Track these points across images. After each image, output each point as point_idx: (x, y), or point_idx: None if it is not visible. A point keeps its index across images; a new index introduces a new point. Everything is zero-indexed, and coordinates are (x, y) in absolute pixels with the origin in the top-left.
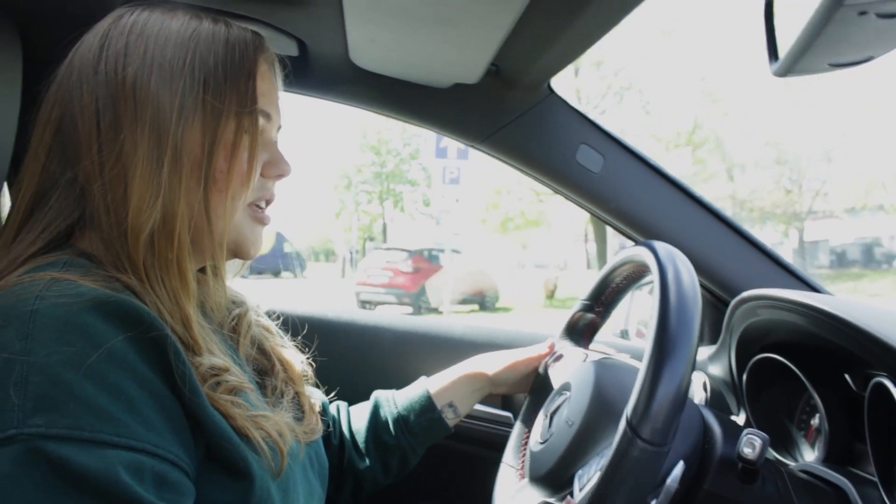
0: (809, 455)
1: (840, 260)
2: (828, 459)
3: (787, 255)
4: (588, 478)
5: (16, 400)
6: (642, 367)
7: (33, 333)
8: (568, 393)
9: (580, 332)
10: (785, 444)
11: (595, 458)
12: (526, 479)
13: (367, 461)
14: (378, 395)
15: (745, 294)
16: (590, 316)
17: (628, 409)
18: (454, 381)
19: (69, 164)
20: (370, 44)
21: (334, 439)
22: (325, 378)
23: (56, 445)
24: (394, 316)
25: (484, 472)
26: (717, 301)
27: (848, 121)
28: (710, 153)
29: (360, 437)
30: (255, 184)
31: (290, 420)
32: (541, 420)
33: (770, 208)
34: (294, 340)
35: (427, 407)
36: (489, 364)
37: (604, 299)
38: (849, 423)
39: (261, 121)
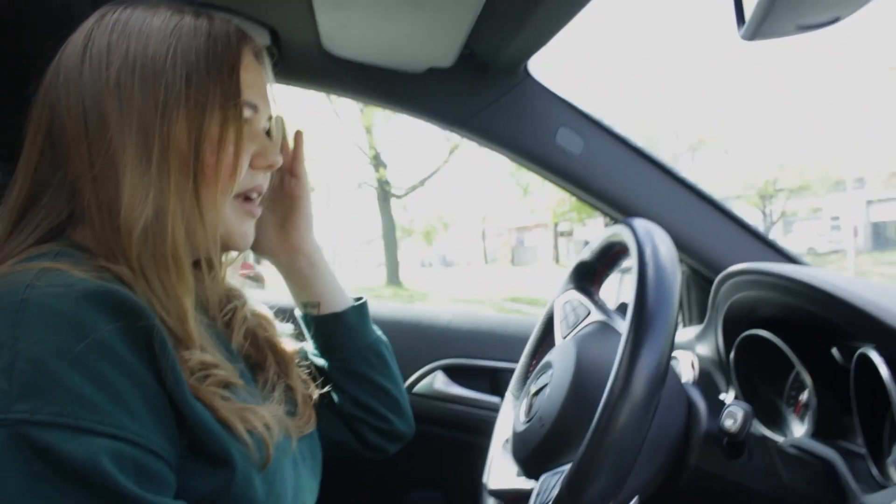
0: (799, 430)
1: None
2: (816, 434)
3: None
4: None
5: (3, 385)
6: (612, 373)
7: (22, 322)
8: (548, 377)
9: (587, 276)
10: (774, 420)
11: (558, 471)
12: (511, 458)
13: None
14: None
15: (728, 270)
16: (595, 264)
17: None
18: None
19: (59, 164)
20: (342, 29)
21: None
22: None
23: (40, 432)
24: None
25: (475, 458)
26: (702, 280)
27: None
28: None
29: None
30: (243, 175)
31: (280, 414)
32: (525, 399)
33: None
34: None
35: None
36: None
37: (605, 260)
38: (837, 397)
39: (247, 112)
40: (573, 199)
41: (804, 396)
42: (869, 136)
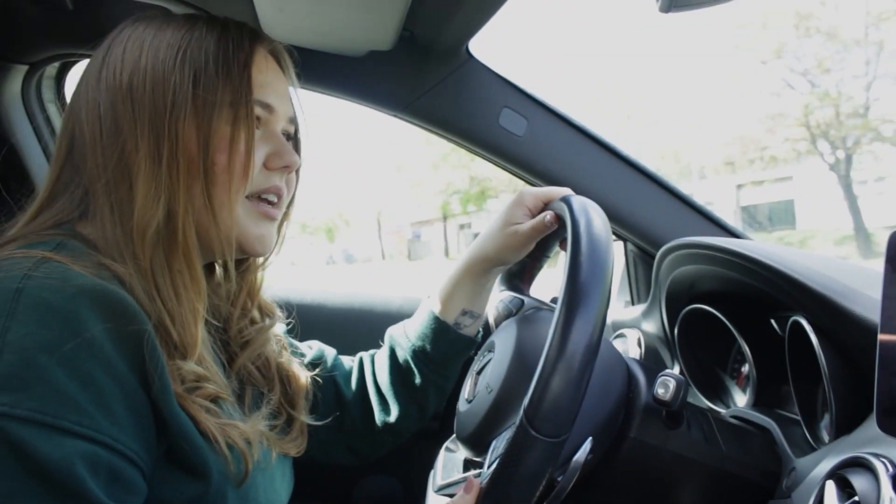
0: (742, 401)
1: None
2: (757, 404)
3: None
4: (497, 454)
5: None
6: (549, 334)
7: (15, 312)
8: (492, 354)
9: (517, 275)
10: (718, 393)
11: (509, 428)
12: (455, 446)
13: (399, 409)
14: (392, 332)
15: (668, 245)
16: (525, 260)
17: (525, 401)
18: (456, 287)
19: (77, 170)
20: (279, 13)
21: (347, 392)
22: None
23: (18, 427)
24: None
25: (430, 442)
26: (649, 258)
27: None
28: None
29: (386, 387)
30: (255, 176)
31: (263, 429)
32: (469, 380)
33: None
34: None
35: (439, 329)
36: (486, 246)
37: (535, 251)
38: (775, 367)
39: (260, 112)
40: (461, 191)
41: (745, 368)
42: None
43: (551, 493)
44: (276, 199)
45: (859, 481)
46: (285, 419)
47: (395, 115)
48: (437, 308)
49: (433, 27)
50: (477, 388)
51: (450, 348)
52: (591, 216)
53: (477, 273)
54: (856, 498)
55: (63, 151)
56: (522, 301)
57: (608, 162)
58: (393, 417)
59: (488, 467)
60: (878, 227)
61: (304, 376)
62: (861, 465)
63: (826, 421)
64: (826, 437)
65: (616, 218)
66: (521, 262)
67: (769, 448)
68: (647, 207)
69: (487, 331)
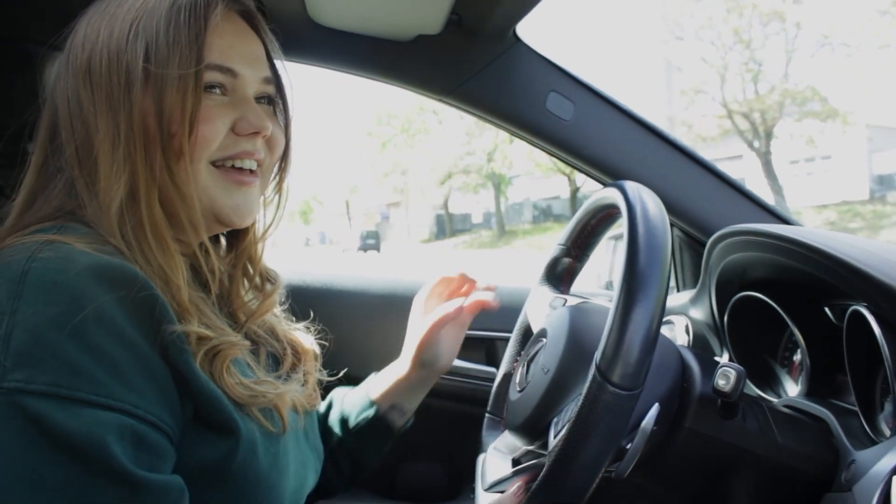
0: (793, 390)
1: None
2: (810, 393)
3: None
4: (562, 425)
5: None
6: (612, 308)
7: (22, 293)
8: (544, 340)
9: (558, 276)
10: (769, 381)
11: (570, 405)
12: (506, 429)
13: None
14: (335, 393)
15: (720, 232)
16: (567, 260)
17: (597, 355)
18: (393, 383)
19: (60, 154)
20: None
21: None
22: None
23: (34, 401)
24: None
25: (472, 429)
26: (695, 243)
27: None
28: None
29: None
30: (217, 144)
31: (290, 387)
32: (519, 369)
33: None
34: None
35: (366, 406)
36: (409, 356)
37: (580, 242)
38: (830, 356)
39: (222, 78)
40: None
41: (798, 357)
42: None
43: (620, 462)
44: (254, 166)
45: None
46: (302, 376)
47: (441, 100)
48: (373, 393)
49: (481, 10)
50: (530, 375)
51: (368, 427)
52: (646, 201)
53: (410, 376)
54: None
55: (45, 137)
56: (565, 300)
57: (656, 146)
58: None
59: (555, 437)
60: (805, 206)
61: (307, 341)
62: None
63: (886, 412)
64: (887, 431)
65: (665, 204)
66: (563, 263)
67: (826, 439)
68: (696, 193)
69: (528, 331)
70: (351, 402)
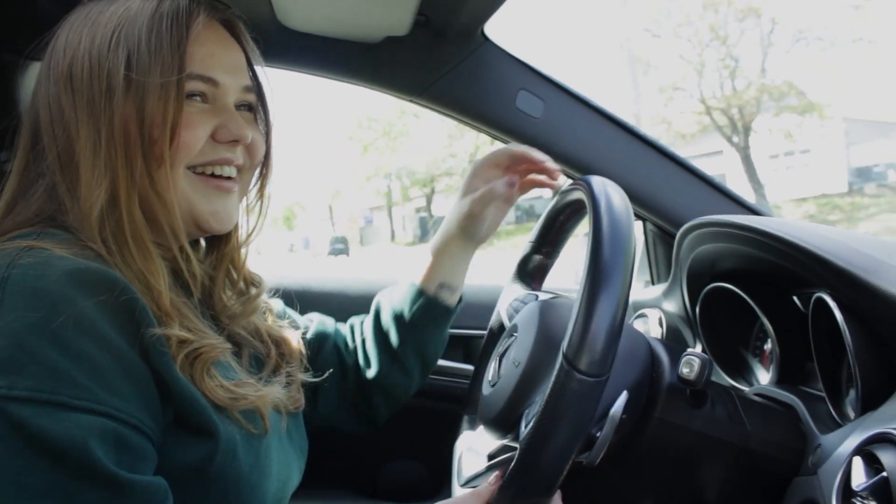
0: (765, 379)
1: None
2: (781, 381)
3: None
4: (533, 415)
5: None
6: (577, 299)
7: (2, 299)
8: (515, 335)
9: (530, 273)
10: (741, 371)
11: (540, 397)
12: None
13: (379, 367)
14: (378, 297)
15: (689, 224)
16: (538, 257)
17: (564, 343)
18: (434, 261)
19: (41, 160)
20: (295, 1)
21: (348, 358)
22: None
23: (16, 407)
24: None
25: (452, 427)
26: (669, 237)
27: None
28: None
29: (371, 347)
30: (197, 151)
31: (272, 389)
32: (492, 364)
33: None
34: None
35: (416, 296)
36: (450, 221)
37: (550, 239)
38: (799, 344)
39: (203, 87)
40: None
41: (768, 346)
42: None
43: (591, 451)
44: (233, 173)
45: (887, 457)
46: (285, 378)
47: (411, 101)
48: (417, 279)
49: (449, 10)
50: (502, 369)
51: (426, 314)
52: (611, 194)
53: (451, 249)
54: (884, 473)
55: (27, 142)
56: (536, 296)
57: (626, 142)
58: (377, 375)
59: (525, 427)
60: (785, 200)
61: (294, 339)
62: (888, 440)
63: (851, 397)
64: (852, 414)
65: (635, 198)
66: (535, 260)
67: (794, 425)
68: (667, 187)
69: (501, 328)
70: (399, 299)
